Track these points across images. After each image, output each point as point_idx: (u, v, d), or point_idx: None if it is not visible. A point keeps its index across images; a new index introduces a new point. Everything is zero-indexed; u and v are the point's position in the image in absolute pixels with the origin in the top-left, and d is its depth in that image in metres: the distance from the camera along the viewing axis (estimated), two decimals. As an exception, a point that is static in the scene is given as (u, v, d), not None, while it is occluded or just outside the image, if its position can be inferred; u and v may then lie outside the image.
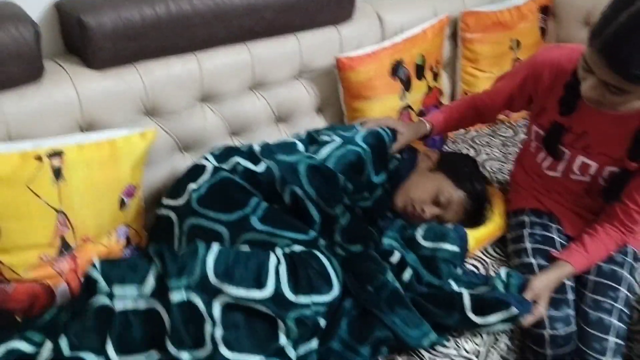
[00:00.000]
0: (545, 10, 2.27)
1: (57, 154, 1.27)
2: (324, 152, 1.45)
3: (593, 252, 1.47)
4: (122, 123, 1.47)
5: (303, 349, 1.19)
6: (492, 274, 1.54)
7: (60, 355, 1.09)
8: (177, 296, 1.13)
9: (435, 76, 1.99)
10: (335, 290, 1.23)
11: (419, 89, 1.93)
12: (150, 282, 1.15)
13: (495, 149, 2.09)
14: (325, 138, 1.52)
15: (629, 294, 1.48)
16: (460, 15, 2.11)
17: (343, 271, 1.31)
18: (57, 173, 1.26)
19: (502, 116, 2.19)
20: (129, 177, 1.38)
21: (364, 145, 1.47)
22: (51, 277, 1.30)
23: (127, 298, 1.14)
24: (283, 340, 1.14)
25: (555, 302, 1.40)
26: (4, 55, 1.25)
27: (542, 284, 1.40)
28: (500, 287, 1.42)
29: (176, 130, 1.58)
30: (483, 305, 1.34)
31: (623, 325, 1.43)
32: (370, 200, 1.49)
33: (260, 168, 1.41)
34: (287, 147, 1.51)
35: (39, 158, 1.25)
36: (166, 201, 1.41)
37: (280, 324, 1.15)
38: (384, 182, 1.51)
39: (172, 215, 1.37)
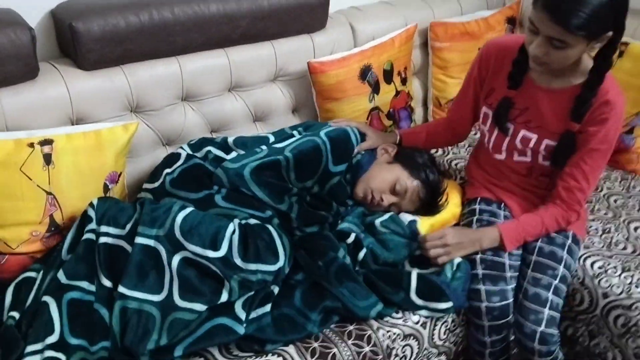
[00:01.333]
0: (511, 21, 2.42)
1: (48, 142, 1.44)
2: (287, 142, 1.62)
3: (525, 222, 1.62)
4: (109, 118, 1.64)
5: (257, 312, 1.35)
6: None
7: (58, 285, 1.29)
8: (142, 240, 1.33)
9: (404, 81, 2.15)
10: (281, 262, 1.39)
11: (387, 92, 2.09)
12: (129, 226, 1.36)
13: (462, 149, 2.23)
14: (295, 134, 1.69)
15: (566, 272, 1.62)
16: (429, 25, 2.28)
17: (296, 248, 1.47)
18: (48, 159, 1.44)
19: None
20: (112, 165, 1.55)
21: (325, 138, 1.63)
22: (41, 252, 1.48)
23: (110, 235, 1.36)
24: (225, 297, 1.32)
25: (493, 278, 1.54)
26: (2, 55, 1.43)
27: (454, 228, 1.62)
28: (449, 273, 1.55)
29: (159, 126, 1.75)
30: (426, 290, 1.49)
31: (558, 300, 1.56)
32: (321, 187, 1.63)
33: (230, 157, 1.58)
34: (259, 140, 1.68)
35: (31, 145, 1.42)
36: (145, 185, 1.59)
37: (226, 283, 1.32)
38: (343, 172, 1.66)
39: (149, 196, 1.54)
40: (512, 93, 1.61)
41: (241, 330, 1.31)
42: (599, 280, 1.67)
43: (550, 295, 1.55)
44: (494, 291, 1.52)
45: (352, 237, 1.54)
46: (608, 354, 1.68)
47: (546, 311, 1.53)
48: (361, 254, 1.53)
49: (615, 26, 1.39)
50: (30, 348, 1.21)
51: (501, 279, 1.54)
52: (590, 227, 1.85)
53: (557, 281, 1.58)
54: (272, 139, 1.70)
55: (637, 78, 2.08)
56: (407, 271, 1.54)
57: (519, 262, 1.64)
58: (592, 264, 1.70)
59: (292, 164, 1.56)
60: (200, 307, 1.30)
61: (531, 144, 1.64)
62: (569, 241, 1.66)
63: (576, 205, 1.62)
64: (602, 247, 1.77)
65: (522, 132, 1.64)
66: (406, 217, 1.68)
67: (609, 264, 1.70)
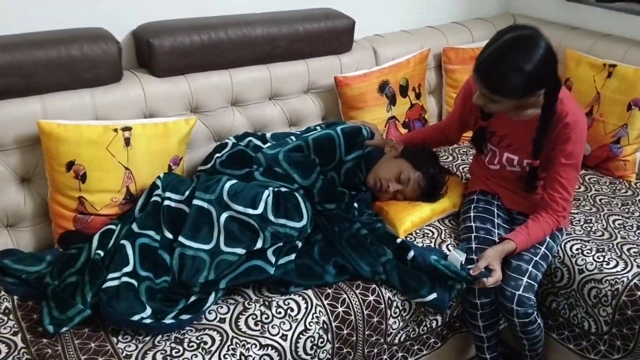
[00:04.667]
0: (517, 48, 2.77)
1: (128, 128, 1.85)
2: (311, 134, 2.01)
3: (533, 233, 1.87)
4: (174, 115, 2.05)
5: (284, 259, 1.71)
6: (445, 245, 1.99)
7: (132, 233, 1.69)
8: (198, 202, 1.71)
9: (418, 96, 2.52)
10: (304, 221, 1.76)
11: (403, 104, 2.46)
12: (187, 193, 1.75)
13: (470, 157, 2.56)
14: (318, 128, 2.09)
15: (547, 252, 1.91)
16: (442, 50, 2.65)
17: (318, 216, 1.84)
18: (127, 141, 1.85)
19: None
20: (175, 150, 1.96)
21: (339, 132, 2.01)
22: (117, 215, 1.87)
23: (172, 200, 1.75)
24: (259, 244, 1.69)
25: (484, 251, 1.84)
26: (97, 61, 1.87)
27: (492, 253, 1.81)
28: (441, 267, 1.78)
29: (212, 124, 2.16)
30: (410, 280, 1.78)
31: (537, 272, 1.85)
32: (337, 171, 1.99)
33: (266, 146, 1.98)
34: (288, 135, 2.08)
35: (115, 130, 1.84)
36: (200, 167, 2.01)
37: (261, 233, 1.69)
38: (355, 159, 2.01)
39: (202, 174, 1.93)
40: (488, 123, 1.94)
41: (271, 270, 1.67)
42: (576, 260, 1.96)
43: (530, 268, 1.85)
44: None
45: (411, 253, 1.81)
46: (584, 323, 1.95)
47: (525, 279, 1.82)
48: (410, 255, 1.82)
49: (545, 86, 1.69)
50: (111, 275, 1.59)
51: None
52: (574, 218, 2.14)
53: (537, 258, 1.88)
54: (297, 133, 2.10)
55: (622, 95, 2.38)
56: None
57: None
58: (571, 247, 1.99)
59: (312, 148, 1.94)
60: (240, 251, 1.67)
61: (515, 163, 1.95)
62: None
63: (562, 212, 1.89)
64: (582, 233, 2.06)
65: (505, 154, 1.96)
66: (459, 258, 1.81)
67: (585, 247, 1.99)
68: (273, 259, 1.69)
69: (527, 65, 1.61)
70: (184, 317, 1.58)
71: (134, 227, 1.71)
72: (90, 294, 1.56)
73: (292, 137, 2.04)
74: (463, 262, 1.80)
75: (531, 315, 1.84)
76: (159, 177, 1.82)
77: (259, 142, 2.03)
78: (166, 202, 1.75)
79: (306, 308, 1.67)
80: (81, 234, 1.83)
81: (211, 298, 1.63)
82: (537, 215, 1.90)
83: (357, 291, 1.76)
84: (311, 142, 1.95)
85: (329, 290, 1.73)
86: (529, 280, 1.83)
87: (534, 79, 1.64)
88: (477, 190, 2.11)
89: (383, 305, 1.77)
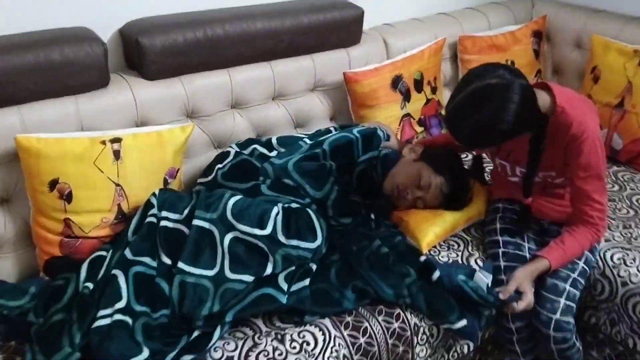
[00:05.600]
0: (537, 35, 2.57)
1: (117, 140, 1.66)
2: (326, 137, 1.83)
3: (569, 249, 1.67)
4: (169, 122, 1.85)
5: (297, 285, 1.53)
6: (472, 258, 1.80)
7: (125, 260, 1.50)
8: (198, 222, 1.53)
9: (434, 90, 2.32)
10: (319, 241, 1.57)
11: (418, 100, 2.26)
12: (186, 211, 1.56)
13: (492, 155, 2.37)
14: (332, 130, 1.91)
15: (586, 267, 1.72)
16: (458, 39, 2.44)
17: (334, 233, 1.65)
18: (117, 155, 1.65)
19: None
20: (171, 161, 1.76)
21: (357, 134, 1.83)
22: (109, 236, 1.68)
23: (169, 220, 1.56)
24: (269, 269, 1.50)
25: (513, 269, 1.65)
26: (80, 66, 1.68)
27: (522, 274, 1.63)
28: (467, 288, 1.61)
29: (211, 130, 1.96)
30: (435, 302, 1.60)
31: (575, 291, 1.67)
32: (350, 175, 1.81)
33: (273, 154, 1.78)
34: (298, 139, 1.88)
35: (103, 142, 1.64)
36: (199, 180, 1.81)
37: (270, 257, 1.51)
38: (368, 161, 1.84)
39: (203, 189, 1.74)
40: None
41: (283, 299, 1.48)
42: (618, 271, 1.77)
43: (567, 287, 1.66)
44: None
45: (437, 274, 1.64)
46: (629, 341, 1.78)
47: (562, 300, 1.63)
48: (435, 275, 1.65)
49: (528, 130, 1.54)
50: (102, 312, 1.40)
51: None
52: (611, 224, 1.95)
53: (575, 274, 1.69)
54: (306, 139, 1.89)
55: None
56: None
57: None
58: (612, 256, 1.81)
59: (329, 153, 1.77)
60: (248, 278, 1.48)
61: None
62: None
63: (600, 222, 1.68)
64: (623, 240, 1.87)
65: (518, 169, 1.78)
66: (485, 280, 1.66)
67: (627, 256, 1.80)
68: (285, 286, 1.50)
69: (500, 125, 1.44)
70: (187, 357, 1.39)
71: (127, 253, 1.52)
72: (78, 334, 1.38)
73: (306, 140, 1.84)
74: (490, 285, 1.62)
75: (570, 340, 1.65)
76: (154, 195, 1.62)
77: (264, 150, 1.83)
78: (163, 223, 1.56)
79: (324, 341, 1.49)
80: (69, 259, 1.64)
81: (217, 333, 1.44)
82: (573, 228, 1.70)
83: (380, 318, 1.57)
84: (327, 146, 1.77)
85: (349, 319, 1.55)
86: (567, 302, 1.64)
87: (511, 132, 1.47)
88: (502, 198, 1.92)
89: (409, 333, 1.58)
